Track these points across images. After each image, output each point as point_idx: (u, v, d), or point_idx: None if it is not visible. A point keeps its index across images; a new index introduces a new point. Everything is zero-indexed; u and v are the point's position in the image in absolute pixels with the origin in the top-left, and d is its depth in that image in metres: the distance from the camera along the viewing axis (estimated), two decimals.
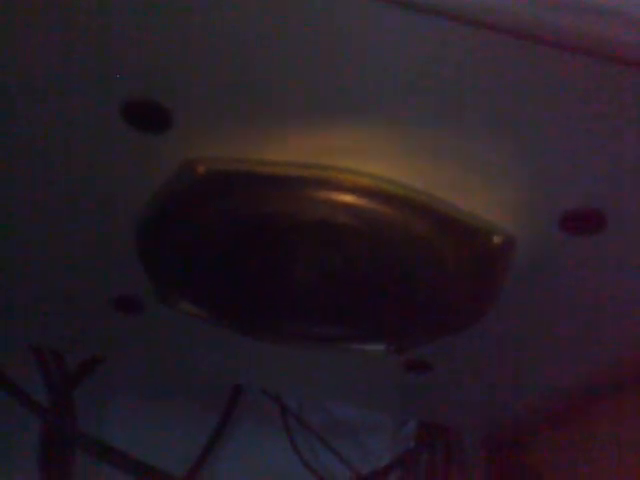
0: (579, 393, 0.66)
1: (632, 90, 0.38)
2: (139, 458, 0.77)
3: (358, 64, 0.38)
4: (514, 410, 0.72)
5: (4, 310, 0.63)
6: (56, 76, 0.40)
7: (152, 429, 0.82)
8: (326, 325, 0.58)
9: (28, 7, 0.37)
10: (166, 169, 0.46)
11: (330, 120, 0.42)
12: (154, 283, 0.56)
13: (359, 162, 0.44)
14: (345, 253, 0.50)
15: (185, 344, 0.67)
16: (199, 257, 0.52)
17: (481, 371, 0.65)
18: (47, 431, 0.77)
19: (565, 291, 0.53)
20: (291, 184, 0.45)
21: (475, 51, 0.37)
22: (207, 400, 0.85)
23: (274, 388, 0.82)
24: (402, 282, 0.52)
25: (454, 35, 0.36)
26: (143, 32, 0.38)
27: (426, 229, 0.47)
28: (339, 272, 0.51)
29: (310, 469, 0.85)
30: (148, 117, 0.42)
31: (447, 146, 0.42)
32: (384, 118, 0.41)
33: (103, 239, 0.53)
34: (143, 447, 0.79)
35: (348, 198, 0.45)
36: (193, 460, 0.83)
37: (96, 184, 0.48)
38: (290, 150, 0.44)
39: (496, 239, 0.47)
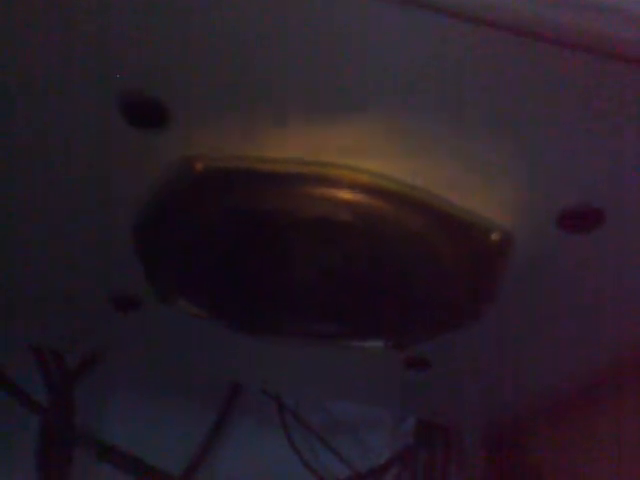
0: (578, 385, 0.66)
1: (632, 87, 0.38)
2: (138, 456, 0.78)
3: (357, 61, 0.38)
4: (513, 408, 0.72)
5: (4, 310, 0.63)
6: (56, 76, 0.40)
7: (151, 427, 0.82)
8: (325, 322, 0.58)
9: (28, 7, 0.37)
10: (165, 166, 0.46)
11: (329, 117, 0.42)
12: (153, 282, 0.56)
13: (358, 159, 0.44)
14: (344, 250, 0.50)
15: (184, 343, 0.67)
16: (198, 255, 0.52)
17: (480, 369, 0.65)
18: (46, 430, 0.77)
19: (564, 289, 0.53)
20: (290, 181, 0.45)
21: (475, 48, 0.37)
22: (206, 398, 0.85)
23: (273, 386, 0.82)
24: (400, 279, 0.52)
25: (454, 32, 0.36)
26: (143, 32, 0.38)
27: (424, 226, 0.47)
28: (338, 269, 0.51)
29: (308, 467, 0.85)
30: (147, 114, 0.42)
31: (446, 144, 0.43)
32: (383, 116, 0.41)
33: (102, 237, 0.53)
34: (142, 445, 0.79)
35: (347, 195, 0.45)
36: (192, 458, 0.83)
37: (95, 182, 0.48)
38: (289, 147, 0.44)
39: (494, 236, 0.47)
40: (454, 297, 0.53)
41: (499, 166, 0.43)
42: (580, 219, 0.46)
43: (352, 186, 0.45)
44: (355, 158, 0.44)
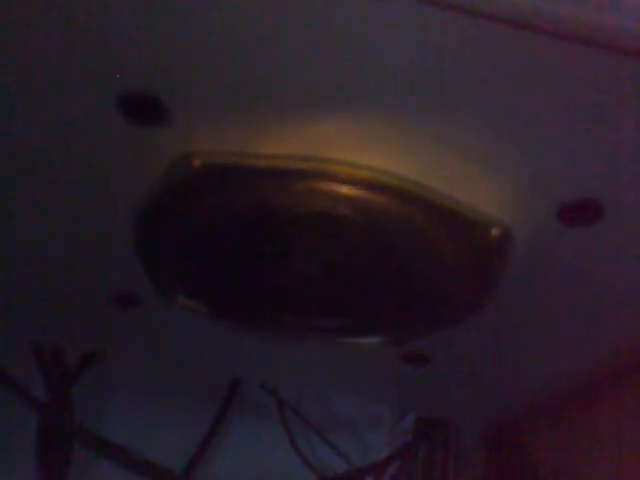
0: (578, 381, 0.66)
1: (630, 80, 0.38)
2: (137, 453, 0.77)
3: (357, 58, 0.38)
4: (513, 401, 0.72)
5: (4, 308, 0.63)
6: (56, 76, 0.41)
7: (150, 424, 0.82)
8: (324, 318, 0.58)
9: (28, 7, 0.37)
10: (164, 163, 0.46)
11: (329, 113, 0.42)
12: (153, 278, 0.56)
13: (357, 155, 0.44)
14: (343, 245, 0.50)
15: (183, 339, 0.67)
16: (197, 251, 0.52)
17: (479, 363, 0.65)
18: (45, 426, 0.77)
19: (563, 282, 0.53)
20: (290, 177, 0.45)
21: (474, 42, 0.37)
22: (205, 395, 0.85)
23: (273, 382, 0.82)
24: (400, 274, 0.52)
25: (453, 25, 0.36)
26: (143, 32, 0.38)
27: (424, 221, 0.47)
28: (337, 265, 0.51)
29: (308, 463, 0.85)
30: (145, 111, 0.42)
31: (445, 139, 0.43)
32: (383, 110, 0.41)
33: (101, 234, 0.53)
34: (141, 442, 0.79)
35: (346, 190, 0.45)
36: (191, 454, 0.83)
37: (94, 179, 0.48)
38: (288, 143, 0.44)
39: (494, 231, 0.47)
40: (454, 292, 0.53)
41: (498, 160, 0.44)
42: (580, 212, 0.46)
43: (351, 181, 0.45)
44: (354, 154, 0.44)
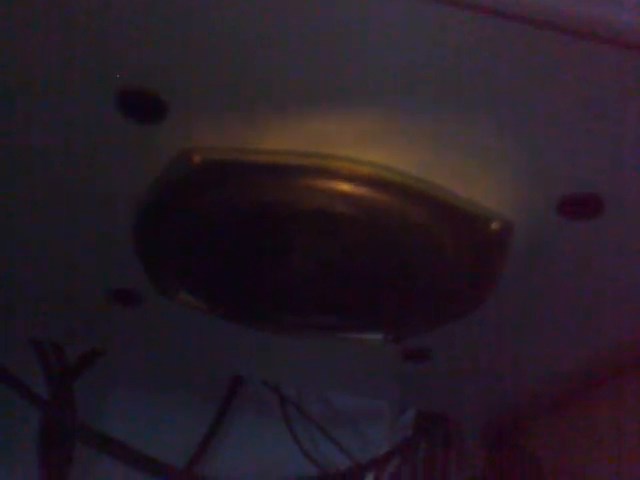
0: (579, 378, 0.66)
1: (632, 74, 0.38)
2: (139, 450, 0.77)
3: (357, 56, 0.38)
4: (513, 397, 0.72)
5: (4, 306, 0.63)
6: (56, 75, 0.40)
7: (152, 421, 0.83)
8: (325, 314, 0.58)
9: (28, 7, 0.37)
10: (164, 160, 0.46)
11: (330, 110, 0.42)
12: (153, 276, 0.56)
13: (359, 151, 0.44)
14: (343, 242, 0.50)
15: (184, 337, 0.67)
16: (197, 248, 0.52)
17: (480, 358, 0.65)
18: (47, 423, 0.78)
19: (564, 276, 0.53)
20: (291, 173, 0.45)
21: (474, 36, 0.37)
22: (207, 391, 0.85)
23: (273, 378, 0.82)
24: (400, 270, 0.52)
25: (453, 20, 0.36)
26: (143, 32, 0.38)
27: (424, 216, 0.47)
28: (337, 261, 0.51)
29: (310, 458, 0.85)
30: (145, 110, 0.42)
31: (446, 134, 0.43)
32: (384, 107, 0.41)
33: (102, 232, 0.53)
34: (143, 439, 0.79)
35: (347, 186, 0.45)
36: (193, 451, 0.83)
37: (94, 177, 0.48)
38: (289, 139, 0.44)
39: (494, 225, 0.47)
40: (454, 287, 0.53)
41: (499, 154, 0.44)
42: (580, 206, 0.46)
43: (353, 178, 0.45)
44: (356, 150, 0.44)
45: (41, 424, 0.78)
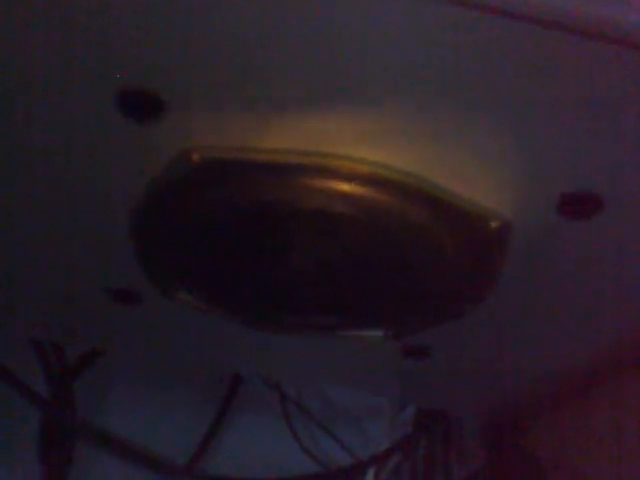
0: (579, 378, 0.66)
1: (634, 74, 0.38)
2: (140, 448, 0.78)
3: (357, 52, 0.38)
4: (513, 395, 0.72)
5: (5, 304, 0.63)
6: (56, 75, 0.40)
7: (152, 420, 0.82)
8: (324, 314, 0.59)
9: (28, 7, 0.37)
10: (163, 159, 0.46)
11: (329, 109, 0.42)
12: (153, 275, 0.56)
13: (359, 149, 0.44)
14: (343, 241, 0.50)
15: (184, 335, 0.67)
16: (197, 247, 0.52)
17: (480, 356, 0.65)
18: (47, 423, 0.78)
19: (563, 275, 0.53)
20: (290, 172, 0.45)
21: (476, 35, 0.36)
22: (207, 390, 0.85)
23: (274, 376, 0.82)
24: (400, 269, 0.52)
25: (454, 19, 0.36)
26: (143, 32, 0.38)
27: (424, 216, 0.47)
28: (337, 260, 0.51)
29: (310, 455, 0.85)
30: (145, 109, 0.42)
31: (446, 133, 0.42)
32: (383, 105, 0.41)
33: (101, 231, 0.53)
34: (144, 437, 0.79)
35: (346, 186, 0.45)
36: (193, 450, 0.83)
37: (94, 177, 0.48)
38: (289, 138, 0.44)
39: (493, 224, 0.47)
40: (454, 286, 0.53)
41: (498, 153, 0.44)
42: (580, 205, 0.46)
43: (353, 176, 0.45)
44: (356, 148, 0.44)
45: (41, 424, 0.78)
